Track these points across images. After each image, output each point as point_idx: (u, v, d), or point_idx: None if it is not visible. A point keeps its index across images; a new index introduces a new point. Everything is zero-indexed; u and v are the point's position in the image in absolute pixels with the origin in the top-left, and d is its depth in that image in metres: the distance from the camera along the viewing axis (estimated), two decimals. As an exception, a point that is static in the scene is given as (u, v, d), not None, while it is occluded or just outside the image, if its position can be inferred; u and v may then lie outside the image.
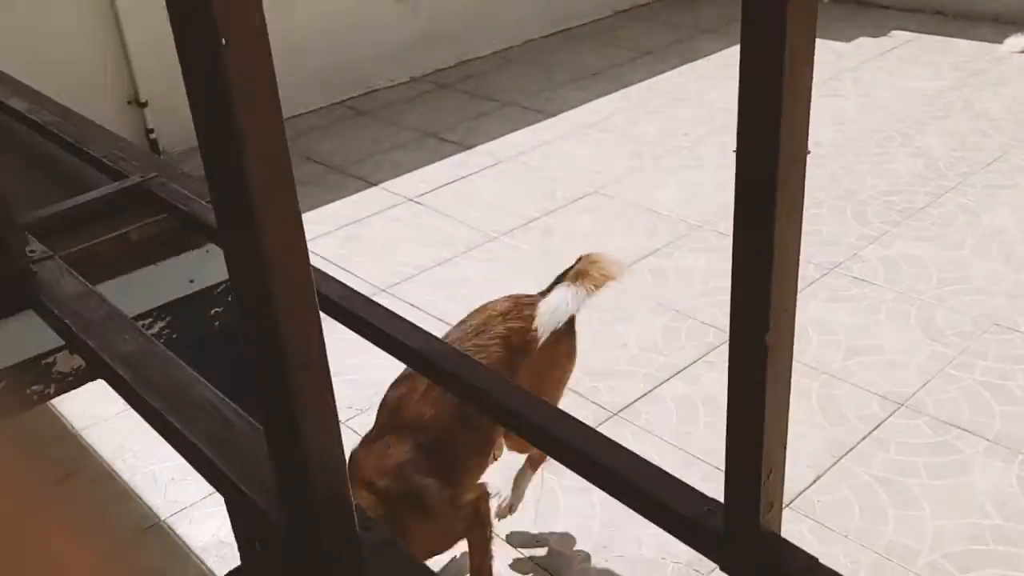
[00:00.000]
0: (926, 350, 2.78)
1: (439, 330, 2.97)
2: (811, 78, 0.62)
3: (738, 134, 0.62)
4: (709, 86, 4.86)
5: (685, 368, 2.78)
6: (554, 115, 4.70)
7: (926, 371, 2.69)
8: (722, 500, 0.83)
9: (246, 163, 0.70)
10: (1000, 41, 5.15)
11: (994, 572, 2.06)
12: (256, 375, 0.86)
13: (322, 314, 0.84)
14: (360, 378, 2.67)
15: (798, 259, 0.66)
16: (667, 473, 0.92)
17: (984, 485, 2.28)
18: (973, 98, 4.52)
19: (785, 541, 0.78)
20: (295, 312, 0.79)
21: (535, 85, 5.11)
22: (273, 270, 0.77)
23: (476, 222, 3.71)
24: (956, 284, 3.08)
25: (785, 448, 0.78)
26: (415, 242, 3.60)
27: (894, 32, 5.48)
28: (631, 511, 0.89)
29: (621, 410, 2.62)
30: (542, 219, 3.70)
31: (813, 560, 0.76)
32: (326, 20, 4.91)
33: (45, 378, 1.54)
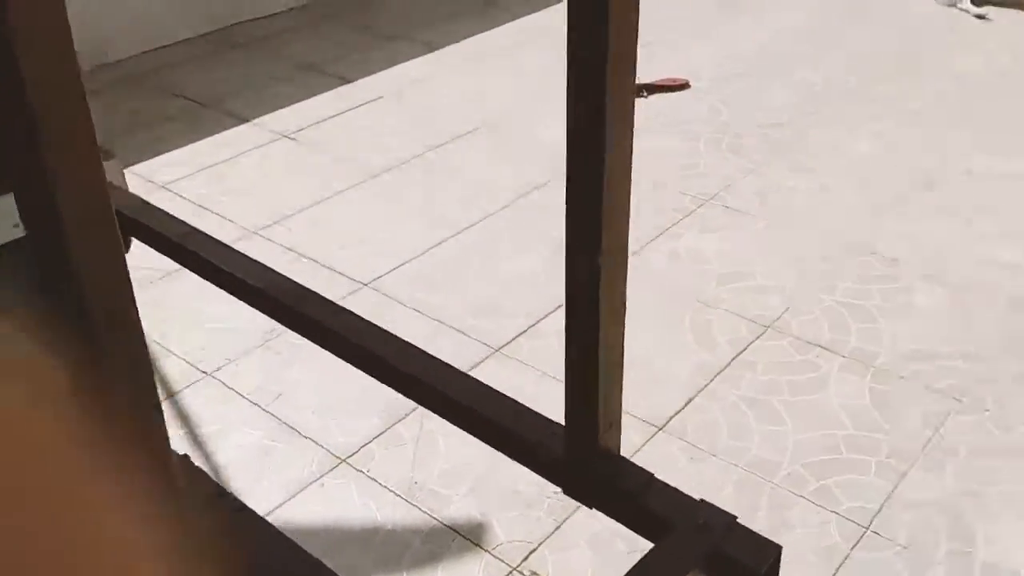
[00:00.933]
0: (791, 274, 2.84)
1: (316, 274, 2.90)
2: None
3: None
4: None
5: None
6: (442, 47, 4.58)
7: (792, 295, 2.76)
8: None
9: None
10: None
11: (847, 478, 2.14)
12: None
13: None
14: (229, 327, 2.58)
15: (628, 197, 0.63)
16: (514, 401, 0.89)
17: (839, 399, 2.37)
18: (843, 32, 4.61)
19: (623, 459, 0.76)
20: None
21: (424, 16, 4.98)
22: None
23: (357, 158, 3.60)
24: (823, 210, 3.16)
25: (622, 368, 0.75)
26: (291, 181, 3.47)
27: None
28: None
29: (503, 346, 2.60)
30: (426, 155, 3.61)
31: (649, 476, 0.74)
32: (196, -54, 4.64)
33: None
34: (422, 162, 3.57)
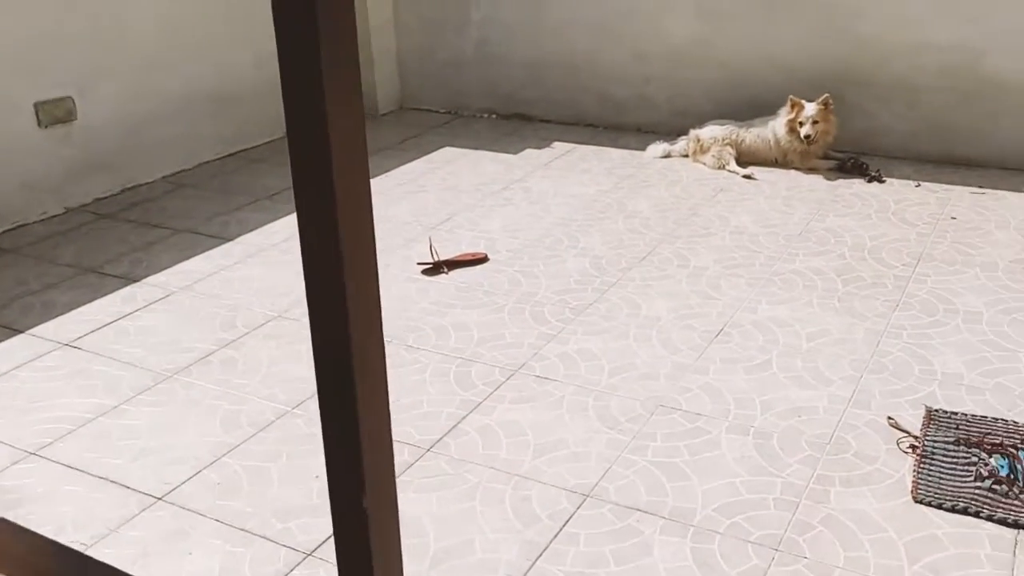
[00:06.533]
0: (604, 438, 2.86)
1: (105, 492, 2.65)
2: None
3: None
4: (391, 200, 4.89)
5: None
6: (231, 239, 4.50)
7: (606, 459, 2.76)
8: None
9: None
10: (643, 148, 5.68)
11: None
12: None
13: None
14: None
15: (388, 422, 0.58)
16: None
17: (664, 563, 2.35)
18: (625, 200, 4.91)
19: None
20: None
21: (210, 209, 4.89)
22: None
23: (145, 362, 3.39)
24: (625, 372, 3.24)
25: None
26: (72, 392, 3.21)
27: (555, 143, 5.88)
28: None
29: (314, 550, 2.43)
30: (221, 351, 3.46)
31: None
32: (-42, 152, 4.41)
33: None
34: (219, 358, 3.41)
